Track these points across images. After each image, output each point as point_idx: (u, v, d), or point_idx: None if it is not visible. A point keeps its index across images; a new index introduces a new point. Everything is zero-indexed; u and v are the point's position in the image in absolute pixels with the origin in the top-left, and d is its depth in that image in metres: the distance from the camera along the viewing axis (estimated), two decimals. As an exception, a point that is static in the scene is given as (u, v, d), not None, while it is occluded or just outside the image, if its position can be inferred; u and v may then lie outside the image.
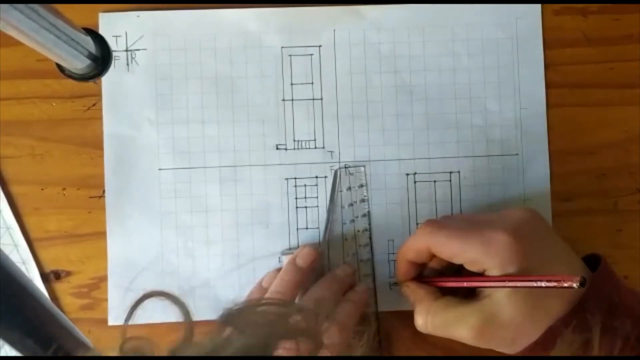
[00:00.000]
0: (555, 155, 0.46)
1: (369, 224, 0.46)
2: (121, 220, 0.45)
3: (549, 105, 0.46)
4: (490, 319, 0.37)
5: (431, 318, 0.39)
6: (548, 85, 0.46)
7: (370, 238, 0.45)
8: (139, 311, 0.44)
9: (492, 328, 0.37)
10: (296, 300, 0.42)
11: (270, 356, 0.22)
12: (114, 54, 0.45)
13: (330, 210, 0.45)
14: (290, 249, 0.45)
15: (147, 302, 0.44)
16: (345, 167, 0.46)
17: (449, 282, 0.40)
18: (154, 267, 0.45)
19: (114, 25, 0.46)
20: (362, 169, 0.46)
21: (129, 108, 0.46)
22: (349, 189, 0.46)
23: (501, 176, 0.46)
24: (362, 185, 0.45)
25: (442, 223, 0.39)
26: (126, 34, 0.46)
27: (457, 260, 0.39)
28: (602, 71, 0.47)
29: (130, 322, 0.44)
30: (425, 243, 0.39)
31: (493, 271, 0.37)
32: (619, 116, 0.47)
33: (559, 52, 0.47)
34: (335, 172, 0.45)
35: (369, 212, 0.46)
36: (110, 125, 0.46)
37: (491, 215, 0.40)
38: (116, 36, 0.46)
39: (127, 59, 0.46)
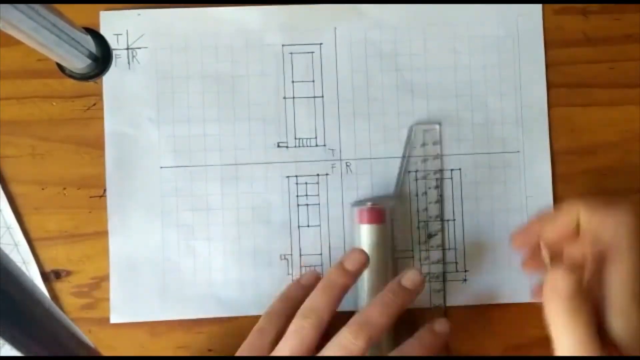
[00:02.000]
0: (555, 155, 0.46)
1: (441, 181, 0.46)
2: (122, 219, 0.45)
3: (550, 105, 0.46)
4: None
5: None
6: (549, 85, 0.46)
7: (442, 195, 0.46)
8: (140, 309, 0.44)
9: None
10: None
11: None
12: (114, 52, 0.45)
13: (403, 165, 0.45)
14: (360, 201, 0.45)
15: (149, 301, 0.44)
16: (419, 124, 0.45)
17: None
18: (155, 265, 0.45)
19: (115, 24, 0.46)
20: (437, 126, 0.46)
21: (129, 106, 0.46)
22: (423, 145, 0.45)
23: (502, 174, 0.46)
24: (436, 143, 0.45)
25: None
26: (127, 32, 0.46)
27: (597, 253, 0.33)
28: (602, 71, 0.47)
29: (133, 320, 0.45)
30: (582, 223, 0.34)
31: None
32: (619, 116, 0.47)
33: (559, 51, 0.47)
34: (410, 127, 0.45)
35: (441, 169, 0.46)
36: (111, 124, 0.46)
37: None
38: (117, 34, 0.46)
39: (128, 58, 0.46)
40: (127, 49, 0.46)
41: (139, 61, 0.46)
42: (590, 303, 0.31)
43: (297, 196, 0.46)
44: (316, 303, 0.39)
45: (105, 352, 0.45)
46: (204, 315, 0.45)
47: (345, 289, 0.40)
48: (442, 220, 0.46)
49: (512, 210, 0.46)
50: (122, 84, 0.46)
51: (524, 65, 0.46)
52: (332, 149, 0.46)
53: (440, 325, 0.40)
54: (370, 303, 0.39)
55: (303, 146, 0.46)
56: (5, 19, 0.27)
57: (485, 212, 0.46)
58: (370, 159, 0.46)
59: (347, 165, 0.46)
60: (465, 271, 0.46)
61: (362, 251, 0.41)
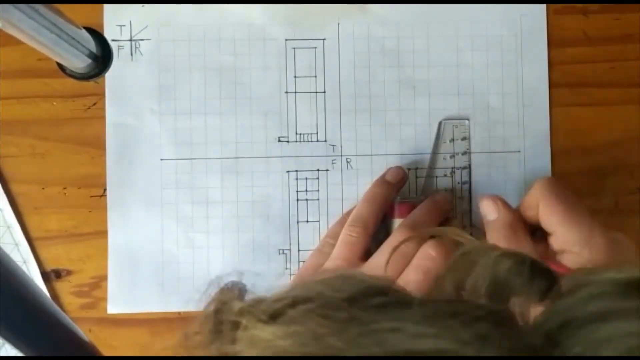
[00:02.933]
0: (555, 155, 0.46)
1: (469, 177, 0.46)
2: (122, 210, 0.45)
3: (551, 105, 0.46)
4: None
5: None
6: (550, 85, 0.46)
7: (470, 191, 0.46)
8: (137, 300, 0.44)
9: None
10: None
11: (259, 356, 0.22)
12: (117, 43, 0.45)
13: (432, 160, 0.46)
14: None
15: (147, 292, 0.44)
16: (449, 119, 0.46)
17: None
18: (153, 257, 0.45)
19: (119, 15, 0.46)
20: (467, 122, 0.46)
21: (131, 98, 0.46)
22: (452, 140, 0.46)
23: (503, 173, 0.46)
24: (465, 138, 0.45)
25: (561, 185, 0.39)
26: (130, 23, 0.46)
27: (546, 229, 0.38)
28: (602, 71, 0.47)
29: (130, 311, 0.45)
30: (539, 197, 0.38)
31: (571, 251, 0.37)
32: (620, 116, 0.47)
33: (559, 51, 0.47)
34: (440, 122, 0.46)
35: (469, 164, 0.46)
36: (112, 115, 0.46)
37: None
38: (120, 25, 0.46)
39: (131, 49, 0.46)
40: (130, 40, 0.46)
41: (142, 53, 0.46)
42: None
43: (297, 191, 0.46)
44: (361, 213, 0.43)
45: (105, 352, 0.45)
46: (202, 308, 0.45)
47: (387, 200, 0.44)
48: (471, 216, 0.46)
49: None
50: (124, 76, 0.46)
51: (526, 65, 0.46)
52: (333, 145, 0.46)
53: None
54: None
55: (304, 141, 0.46)
56: (6, 18, 0.27)
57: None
58: (371, 155, 0.46)
59: (347, 161, 0.46)
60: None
61: (401, 167, 0.44)
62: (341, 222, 0.44)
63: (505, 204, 0.40)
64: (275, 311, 0.22)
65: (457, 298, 0.23)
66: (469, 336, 0.19)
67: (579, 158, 0.46)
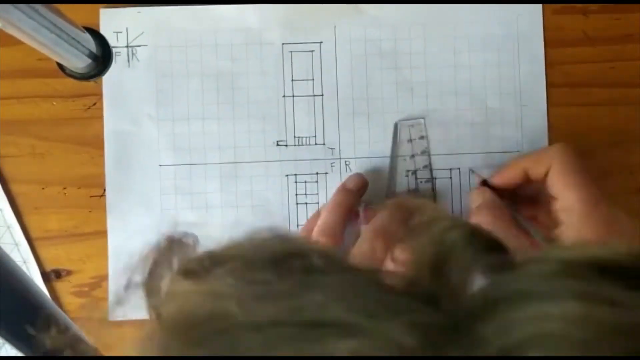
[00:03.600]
0: (556, 155, 0.46)
1: (431, 175, 0.46)
2: (122, 216, 0.45)
3: (550, 105, 0.46)
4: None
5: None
6: (548, 85, 0.46)
7: (434, 190, 0.46)
8: (138, 306, 0.44)
9: None
10: None
11: (261, 356, 0.21)
12: (114, 49, 0.45)
13: (392, 163, 0.45)
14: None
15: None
16: (404, 120, 0.46)
17: None
18: None
19: (115, 21, 0.46)
20: (422, 120, 0.46)
21: (129, 104, 0.46)
22: (410, 140, 0.46)
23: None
24: (422, 137, 0.45)
25: (578, 159, 0.39)
26: (127, 30, 0.46)
27: (551, 192, 0.39)
28: (602, 71, 0.47)
29: (132, 318, 0.45)
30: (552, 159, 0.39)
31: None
32: (619, 116, 0.47)
33: (559, 51, 0.47)
34: (395, 124, 0.46)
35: (430, 163, 0.46)
36: (111, 121, 0.46)
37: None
38: (117, 32, 0.46)
39: (128, 55, 0.46)
40: (127, 46, 0.46)
41: (139, 59, 0.46)
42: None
43: (297, 195, 0.46)
44: (327, 222, 0.42)
45: (105, 352, 0.45)
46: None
47: (351, 207, 0.43)
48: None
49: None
50: (122, 82, 0.46)
51: (523, 65, 0.46)
52: (332, 148, 0.46)
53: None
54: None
55: (302, 145, 0.46)
56: (6, 18, 0.27)
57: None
58: (370, 157, 0.46)
59: (346, 164, 0.46)
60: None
61: (361, 174, 0.44)
62: (306, 230, 0.44)
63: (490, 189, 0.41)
64: (197, 267, 0.21)
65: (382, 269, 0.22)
66: (377, 309, 0.18)
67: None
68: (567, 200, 0.38)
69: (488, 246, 0.21)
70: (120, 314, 0.36)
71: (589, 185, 0.38)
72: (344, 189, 0.44)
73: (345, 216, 0.43)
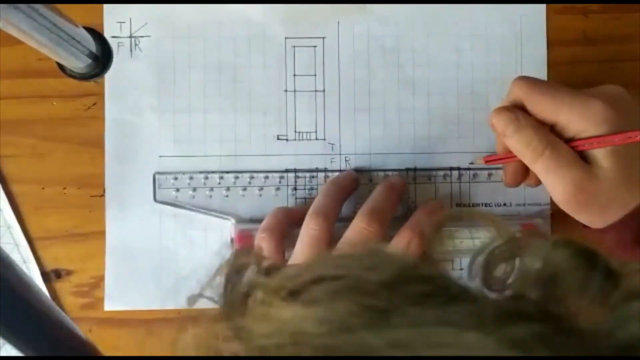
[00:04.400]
0: (555, 155, 0.46)
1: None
2: (120, 206, 0.45)
3: (549, 105, 0.46)
4: (589, 175, 0.36)
5: (550, 151, 0.36)
6: (549, 84, 0.46)
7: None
8: (134, 297, 0.44)
9: (590, 185, 0.36)
10: None
11: (261, 355, 0.20)
12: (117, 39, 0.45)
13: None
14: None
15: (144, 289, 0.44)
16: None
17: None
18: (151, 254, 0.45)
19: (119, 12, 0.46)
20: None
21: (131, 94, 0.46)
22: None
23: (501, 173, 0.46)
24: None
25: (536, 80, 0.39)
26: (130, 20, 0.46)
27: (549, 119, 0.37)
28: (602, 70, 0.47)
29: (127, 308, 0.45)
30: (521, 97, 0.38)
31: (584, 134, 0.36)
32: (619, 116, 0.47)
33: (560, 51, 0.47)
34: None
35: None
36: (112, 111, 0.45)
37: (586, 89, 0.39)
38: (120, 22, 0.46)
39: (131, 46, 0.46)
40: (130, 37, 0.46)
41: (142, 49, 0.46)
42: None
43: (296, 189, 0.46)
44: (321, 203, 0.41)
45: (105, 352, 0.45)
46: (200, 306, 0.45)
47: (346, 193, 0.43)
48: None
49: (511, 210, 0.46)
50: (124, 72, 0.46)
51: (525, 65, 0.46)
52: (332, 144, 0.46)
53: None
54: (372, 194, 0.42)
55: (303, 140, 0.46)
56: (6, 18, 0.27)
57: (483, 211, 0.46)
58: (370, 154, 0.46)
59: (346, 160, 0.46)
60: (462, 269, 0.46)
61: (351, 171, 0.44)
62: (276, 216, 0.43)
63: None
64: (296, 287, 0.20)
65: (506, 293, 0.21)
66: (524, 338, 0.17)
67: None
68: (566, 121, 0.36)
69: (598, 268, 0.20)
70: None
71: (569, 96, 0.37)
72: (337, 178, 0.44)
73: (340, 199, 0.43)
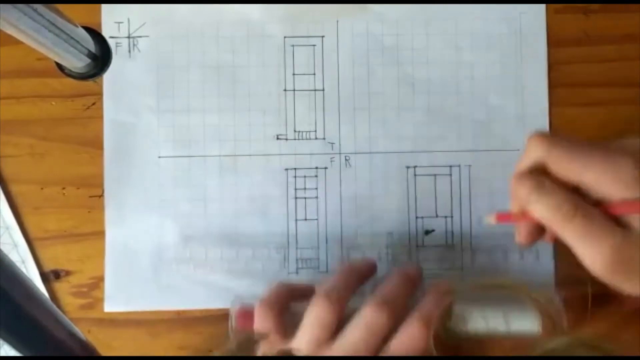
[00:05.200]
0: (555, 154, 0.46)
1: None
2: (120, 207, 0.45)
3: (550, 105, 0.46)
4: (627, 242, 0.32)
5: (581, 217, 0.33)
6: (550, 85, 0.46)
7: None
8: (134, 298, 0.44)
9: (630, 252, 0.32)
10: None
11: (267, 356, 0.21)
12: (115, 40, 0.45)
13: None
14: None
15: (143, 290, 0.44)
16: None
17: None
18: (151, 255, 0.45)
19: (117, 12, 0.46)
20: None
21: (129, 95, 0.46)
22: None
23: (502, 171, 0.46)
24: None
25: (557, 136, 0.35)
26: (129, 20, 0.46)
27: (573, 179, 0.34)
28: (602, 70, 0.47)
29: (127, 309, 0.45)
30: (541, 157, 0.34)
31: (613, 197, 0.33)
32: (620, 115, 0.47)
33: (560, 51, 0.47)
34: None
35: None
36: (110, 112, 0.45)
37: (607, 141, 0.35)
38: (118, 22, 0.46)
39: (129, 46, 0.46)
40: (128, 37, 0.46)
41: (140, 50, 0.46)
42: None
43: (296, 189, 0.46)
44: (336, 286, 0.39)
45: (104, 353, 0.45)
46: (200, 307, 0.45)
47: (360, 278, 0.41)
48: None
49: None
50: (122, 73, 0.46)
51: (525, 63, 0.46)
52: (332, 143, 0.46)
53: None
54: (386, 282, 0.39)
55: (302, 139, 0.46)
56: (5, 18, 0.27)
57: (483, 209, 0.46)
58: (370, 153, 0.46)
59: (346, 159, 0.46)
60: (462, 268, 0.46)
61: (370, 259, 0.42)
62: (275, 291, 0.40)
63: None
64: None
65: None
66: None
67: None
68: (594, 182, 0.33)
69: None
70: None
71: (596, 152, 0.33)
72: (355, 262, 0.43)
73: (354, 284, 0.40)
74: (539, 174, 0.35)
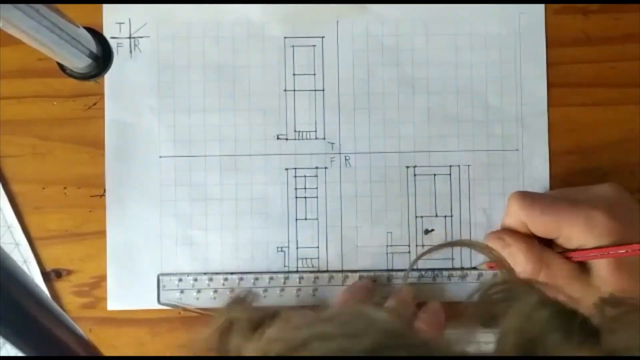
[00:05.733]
0: (555, 155, 0.46)
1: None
2: (121, 206, 0.45)
3: (550, 105, 0.46)
4: (587, 288, 0.38)
5: (545, 270, 0.39)
6: (549, 85, 0.46)
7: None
8: (136, 297, 0.44)
9: (590, 297, 0.35)
10: None
11: (260, 356, 0.21)
12: (117, 40, 0.45)
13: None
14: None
15: (145, 289, 0.44)
16: None
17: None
18: (152, 254, 0.45)
19: (118, 12, 0.46)
20: None
21: (130, 95, 0.46)
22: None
23: (501, 171, 0.46)
24: None
25: (534, 197, 0.40)
26: (130, 20, 0.46)
27: (551, 236, 0.39)
28: (602, 70, 0.47)
29: (130, 308, 0.45)
30: (520, 219, 0.40)
31: (588, 245, 0.38)
32: (620, 115, 0.47)
33: (559, 51, 0.47)
34: None
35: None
36: (111, 112, 0.46)
37: (578, 191, 0.41)
38: (120, 23, 0.46)
39: (130, 46, 0.46)
40: (130, 37, 0.46)
41: (141, 50, 0.46)
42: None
43: (296, 189, 0.46)
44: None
45: (105, 352, 0.45)
46: (200, 305, 0.45)
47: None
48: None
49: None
50: (123, 73, 0.46)
51: (524, 64, 0.46)
52: (332, 143, 0.46)
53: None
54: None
55: (303, 139, 0.46)
56: (6, 18, 0.27)
57: (482, 208, 0.46)
58: (370, 153, 0.46)
59: (346, 159, 0.46)
60: (462, 268, 0.46)
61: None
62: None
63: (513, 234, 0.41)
64: (280, 351, 0.20)
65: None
66: None
67: (579, 158, 0.46)
68: (568, 234, 0.38)
69: (576, 326, 0.21)
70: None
71: (567, 209, 0.38)
72: (352, 285, 0.45)
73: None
74: (505, 233, 0.41)
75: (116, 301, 0.45)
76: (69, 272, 0.45)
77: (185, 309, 0.45)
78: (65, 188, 0.46)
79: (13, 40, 0.31)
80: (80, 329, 0.32)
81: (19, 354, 0.29)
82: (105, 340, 0.45)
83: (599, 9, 0.47)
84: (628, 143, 0.47)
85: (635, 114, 0.47)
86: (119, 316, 0.45)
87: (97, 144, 0.46)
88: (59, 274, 0.45)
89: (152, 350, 0.45)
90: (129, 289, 0.45)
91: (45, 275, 0.45)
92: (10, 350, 0.45)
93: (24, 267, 0.45)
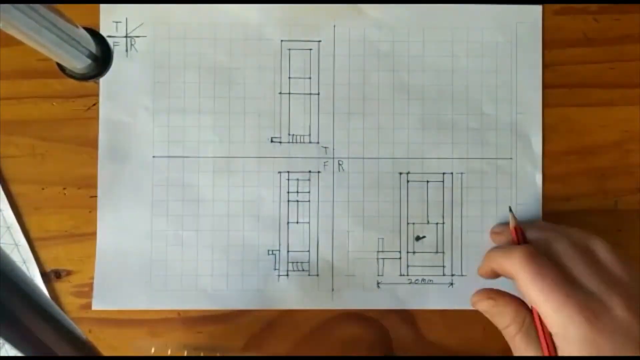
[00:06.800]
0: (555, 155, 0.46)
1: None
2: (112, 205, 0.45)
3: (549, 105, 0.46)
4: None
5: (516, 338, 0.39)
6: (548, 86, 0.46)
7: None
8: (123, 297, 0.44)
9: None
10: None
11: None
12: (113, 39, 0.45)
13: None
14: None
15: (134, 289, 0.44)
16: None
17: None
18: (142, 254, 0.45)
19: (115, 11, 0.46)
20: None
21: (125, 94, 0.46)
22: None
23: (494, 179, 0.46)
24: None
25: (540, 269, 0.38)
26: (126, 19, 0.46)
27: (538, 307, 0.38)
28: (602, 71, 0.47)
29: (115, 308, 0.45)
30: (527, 292, 0.38)
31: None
32: (619, 116, 0.47)
33: (559, 52, 0.47)
34: None
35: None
36: (106, 111, 0.46)
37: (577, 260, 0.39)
38: (116, 22, 0.46)
39: (126, 45, 0.46)
40: (126, 37, 0.46)
41: (137, 50, 0.46)
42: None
43: (288, 192, 0.46)
44: None
45: (105, 352, 0.45)
46: (188, 307, 0.45)
47: None
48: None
49: (502, 217, 0.46)
50: (119, 72, 0.46)
51: (520, 73, 0.46)
52: (325, 147, 0.46)
53: None
54: None
55: (296, 142, 0.46)
56: (5, 18, 0.27)
57: (474, 216, 0.46)
58: (363, 158, 0.46)
59: (339, 164, 0.46)
60: (452, 275, 0.46)
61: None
62: None
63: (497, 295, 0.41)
64: None
65: None
66: None
67: (578, 158, 0.47)
68: (542, 311, 0.37)
69: None
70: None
71: (558, 296, 0.36)
72: None
73: None
74: (493, 294, 0.41)
75: (101, 300, 0.45)
76: (69, 273, 0.46)
77: None
78: (64, 189, 0.46)
79: (13, 41, 0.31)
80: (80, 330, 0.32)
81: (19, 354, 0.29)
82: (104, 341, 0.45)
83: (599, 10, 0.47)
84: (628, 143, 0.47)
85: (635, 114, 0.47)
86: (118, 317, 0.45)
87: (97, 145, 0.46)
88: (58, 274, 0.46)
89: (152, 350, 0.45)
90: (115, 289, 0.45)
91: (45, 275, 0.45)
92: (10, 350, 0.45)
93: (24, 268, 0.45)
